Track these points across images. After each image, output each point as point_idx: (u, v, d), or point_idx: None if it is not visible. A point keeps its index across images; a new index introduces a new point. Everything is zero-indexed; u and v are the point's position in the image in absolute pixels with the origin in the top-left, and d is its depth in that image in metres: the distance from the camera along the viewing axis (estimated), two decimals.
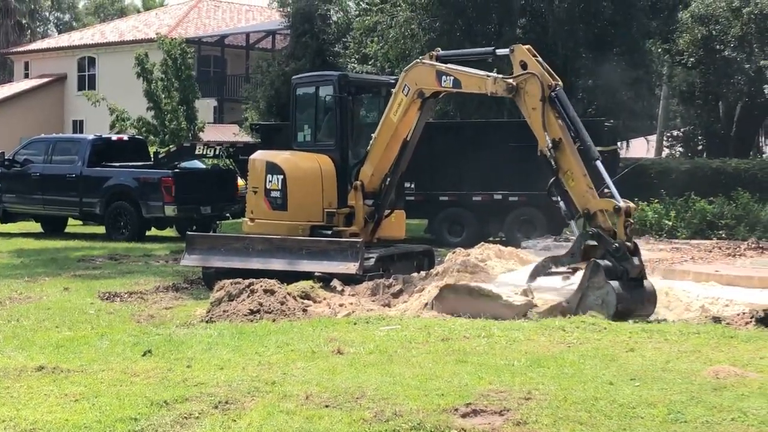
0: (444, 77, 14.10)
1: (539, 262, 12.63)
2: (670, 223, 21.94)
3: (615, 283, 11.42)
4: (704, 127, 43.52)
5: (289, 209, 15.47)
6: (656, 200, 23.34)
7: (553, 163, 12.36)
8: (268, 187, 15.61)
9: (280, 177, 15.52)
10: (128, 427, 6.80)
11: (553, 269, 12.37)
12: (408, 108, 14.57)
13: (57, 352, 9.70)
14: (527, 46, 13.03)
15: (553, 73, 12.83)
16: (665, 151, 46.13)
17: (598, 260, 11.64)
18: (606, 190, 12.48)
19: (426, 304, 12.43)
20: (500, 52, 14.03)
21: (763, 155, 45.68)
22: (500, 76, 13.35)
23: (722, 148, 38.01)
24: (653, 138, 47.18)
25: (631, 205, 12.09)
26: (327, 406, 7.25)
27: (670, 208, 22.66)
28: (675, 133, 48.90)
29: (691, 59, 35.40)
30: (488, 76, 13.53)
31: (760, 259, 16.70)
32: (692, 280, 13.69)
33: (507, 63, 13.93)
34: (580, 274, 11.98)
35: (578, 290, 11.82)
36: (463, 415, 7.08)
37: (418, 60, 15.24)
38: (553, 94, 12.53)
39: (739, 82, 35.75)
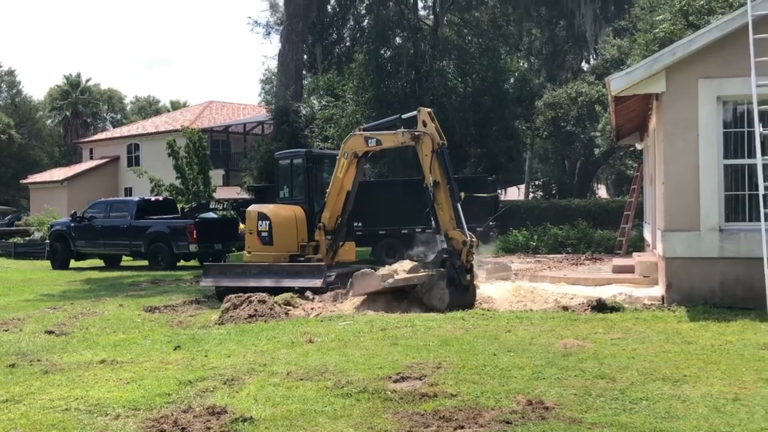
0: (369, 140, 14.27)
1: (414, 266, 12.71)
2: (534, 244, 22.10)
3: (451, 289, 11.88)
4: (556, 178, 43.96)
5: (274, 244, 15.37)
6: (524, 228, 23.50)
7: (431, 195, 12.72)
8: (259, 229, 15.47)
9: (268, 222, 15.43)
10: (164, 399, 6.69)
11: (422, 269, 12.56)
12: (348, 167, 14.60)
13: (114, 350, 9.52)
14: (428, 110, 13.35)
15: (442, 134, 13.11)
16: (531, 195, 46.48)
17: (445, 270, 12.05)
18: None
19: (349, 292, 12.78)
20: (406, 116, 14.19)
21: (596, 195, 46.17)
22: (407, 130, 13.58)
23: (569, 192, 38.40)
24: (523, 186, 47.54)
25: (474, 239, 12.48)
26: (302, 379, 7.20)
27: (534, 233, 22.82)
28: (537, 182, 49.30)
29: (545, 132, 35.80)
30: (398, 132, 13.73)
31: (594, 266, 16.86)
32: (549, 282, 13.76)
33: (409, 124, 13.99)
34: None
35: (428, 283, 12.12)
36: (395, 381, 7.06)
37: (352, 133, 15.28)
38: (439, 150, 12.87)
39: (577, 147, 36.15)
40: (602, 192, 51.39)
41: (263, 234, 15.35)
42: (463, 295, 12.05)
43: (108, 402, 6.67)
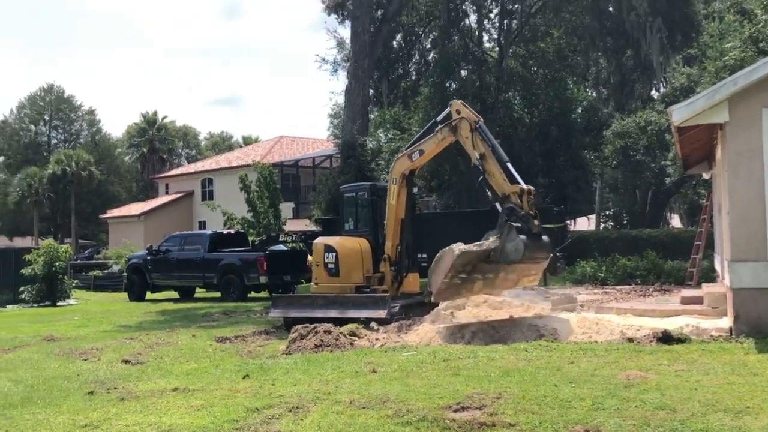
0: (413, 155, 14.62)
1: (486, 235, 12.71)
2: (602, 275, 21.82)
3: (523, 237, 11.92)
4: (627, 208, 43.30)
5: (341, 275, 15.61)
6: (592, 259, 23.26)
7: (480, 167, 12.98)
8: (326, 261, 15.74)
9: (334, 254, 15.71)
10: (232, 426, 6.96)
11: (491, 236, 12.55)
12: (399, 192, 14.87)
13: (186, 378, 9.88)
14: (459, 101, 13.91)
15: (476, 114, 13.78)
16: (602, 225, 45.85)
17: (511, 222, 12.08)
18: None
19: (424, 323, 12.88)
20: (440, 117, 14.59)
21: (669, 225, 45.27)
22: (443, 125, 14.07)
23: (640, 222, 37.79)
24: (593, 216, 46.94)
25: (531, 187, 12.71)
26: (364, 408, 7.38)
27: (602, 264, 22.55)
28: (608, 212, 48.61)
29: (614, 162, 35.42)
30: (436, 133, 14.19)
31: (662, 297, 16.58)
32: (615, 314, 13.61)
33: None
34: None
35: (500, 244, 12.16)
36: (455, 411, 7.18)
37: (395, 158, 15.70)
38: (476, 125, 13.30)
39: (648, 177, 35.61)
40: (676, 222, 50.33)
41: (330, 266, 15.61)
42: (537, 243, 12.14)
43: (179, 428, 6.97)
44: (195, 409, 7.72)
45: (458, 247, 12.10)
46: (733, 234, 10.92)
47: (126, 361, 11.82)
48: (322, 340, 11.83)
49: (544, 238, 12.48)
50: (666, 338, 10.49)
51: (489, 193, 12.94)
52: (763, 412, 6.71)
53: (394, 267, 15.12)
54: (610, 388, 7.82)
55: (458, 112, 13.79)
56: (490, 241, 12.31)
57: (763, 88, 10.70)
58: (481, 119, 13.62)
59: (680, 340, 10.46)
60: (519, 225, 12.08)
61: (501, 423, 6.64)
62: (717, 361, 9.09)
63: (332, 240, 16.14)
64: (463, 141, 13.60)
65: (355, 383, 8.68)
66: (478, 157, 13.05)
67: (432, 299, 12.95)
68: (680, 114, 11.02)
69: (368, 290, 15.23)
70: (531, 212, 12.36)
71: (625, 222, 43.14)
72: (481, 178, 13.03)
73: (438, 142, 14.30)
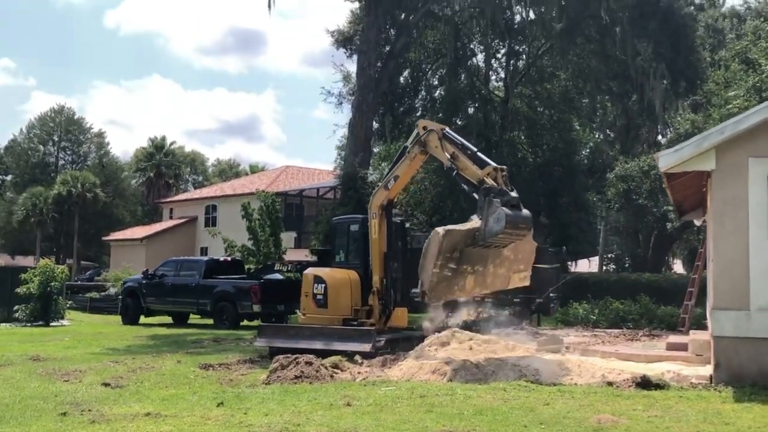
0: (388, 183, 14.89)
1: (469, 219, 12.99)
2: (594, 318, 21.79)
3: (501, 208, 12.16)
4: (629, 251, 43.32)
5: (329, 307, 15.60)
6: (585, 302, 23.24)
7: (453, 167, 13.37)
8: (314, 291, 15.77)
9: (323, 285, 15.75)
10: None
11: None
12: (380, 225, 15.05)
13: (161, 403, 9.91)
14: (424, 119, 14.36)
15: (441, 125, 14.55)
16: (604, 268, 45.82)
17: (490, 197, 12.36)
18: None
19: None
20: (409, 141, 15.07)
21: (671, 270, 45.19)
22: (410, 145, 14.67)
23: (643, 266, 37.72)
24: (595, 258, 46.93)
25: (499, 166, 13.05)
26: None
27: (595, 306, 22.53)
28: (611, 255, 48.61)
29: (617, 205, 35.49)
30: (406, 154, 14.69)
31: (650, 342, 16.53)
32: (599, 357, 13.59)
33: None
34: None
35: (482, 222, 12.35)
36: None
37: (373, 193, 15.94)
38: (443, 132, 13.97)
39: (650, 221, 35.62)
40: (678, 267, 50.25)
41: (318, 297, 15.64)
42: (517, 214, 12.34)
43: None
44: None
45: (442, 228, 12.42)
46: (717, 282, 10.96)
47: (106, 384, 11.84)
48: (302, 371, 11.81)
49: (524, 210, 12.70)
50: (645, 383, 10.47)
51: (465, 187, 13.29)
52: None
53: (382, 300, 15.15)
54: (579, 431, 7.84)
55: (425, 128, 14.29)
56: (472, 222, 12.58)
57: (750, 137, 10.80)
58: (446, 127, 14.26)
59: (659, 386, 10.45)
60: (497, 199, 12.33)
61: None
62: (692, 409, 9.08)
63: (322, 271, 16.16)
64: (433, 151, 14.09)
65: (327, 416, 8.71)
66: (449, 158, 13.48)
67: (426, 299, 12.83)
68: (667, 161, 11.12)
69: (356, 323, 15.21)
70: (505, 187, 12.64)
71: (626, 265, 43.12)
72: (455, 173, 13.41)
73: (410, 162, 14.75)
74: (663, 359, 13.07)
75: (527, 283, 14.37)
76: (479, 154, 13.52)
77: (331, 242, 17.82)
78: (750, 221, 10.72)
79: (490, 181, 12.71)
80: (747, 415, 8.74)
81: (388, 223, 15.25)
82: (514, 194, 12.58)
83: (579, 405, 9.36)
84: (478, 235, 12.38)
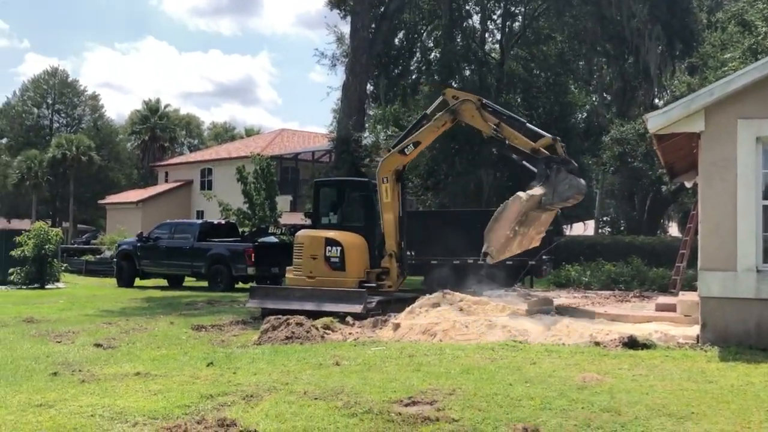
0: (406, 149, 14.80)
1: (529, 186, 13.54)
2: (587, 279, 21.90)
3: (571, 175, 13.05)
4: (625, 214, 43.44)
5: (347, 270, 15.66)
6: (577, 264, 23.34)
7: (500, 136, 13.73)
8: (328, 254, 15.75)
9: (339, 248, 15.70)
10: (182, 411, 7.09)
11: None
12: (393, 189, 15.00)
13: (152, 364, 10.00)
14: (452, 88, 14.56)
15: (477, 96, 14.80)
16: (600, 231, 45.95)
17: (557, 165, 13.05)
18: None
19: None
20: (430, 109, 15.11)
21: (667, 233, 45.34)
22: (438, 115, 14.65)
23: (638, 229, 37.82)
24: (590, 222, 47.05)
25: (557, 138, 13.62)
26: (315, 399, 7.50)
27: (587, 269, 22.62)
28: (606, 218, 48.78)
29: (612, 168, 35.45)
30: (432, 122, 14.72)
31: (639, 303, 16.64)
32: (588, 318, 13.72)
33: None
34: None
35: (549, 188, 13.02)
36: (405, 405, 7.29)
37: (382, 158, 15.79)
38: (481, 103, 14.19)
39: (645, 184, 35.63)
40: (674, 229, 50.41)
41: (333, 259, 15.66)
42: (581, 180, 13.26)
43: (131, 411, 7.10)
44: (151, 394, 7.86)
45: (524, 194, 12.88)
46: (704, 243, 11.02)
47: (98, 345, 11.94)
48: (293, 332, 11.93)
49: (581, 179, 13.39)
50: (632, 343, 10.56)
51: (515, 156, 13.81)
52: (706, 418, 6.82)
53: (399, 263, 15.27)
54: (563, 389, 7.92)
55: (455, 97, 14.32)
56: (536, 189, 13.11)
57: (739, 99, 10.78)
58: (482, 99, 14.47)
59: (646, 345, 10.53)
60: (563, 167, 13.00)
61: (445, 418, 6.75)
62: (677, 368, 9.18)
63: (335, 233, 16.07)
64: (470, 120, 14.22)
65: (315, 375, 8.80)
66: (494, 127, 13.71)
67: (491, 260, 13.22)
68: (655, 122, 11.10)
69: (374, 285, 15.37)
70: (564, 155, 13.26)
71: (622, 228, 43.26)
72: (507, 143, 13.74)
73: (437, 129, 14.74)
74: (652, 320, 13.18)
75: (538, 244, 14.96)
76: (529, 125, 13.94)
77: (313, 204, 17.59)
78: (738, 183, 10.74)
79: (545, 151, 13.09)
80: (731, 374, 8.84)
81: (401, 190, 15.27)
82: (575, 164, 13.37)
83: (565, 364, 9.45)
84: (545, 200, 13.02)
